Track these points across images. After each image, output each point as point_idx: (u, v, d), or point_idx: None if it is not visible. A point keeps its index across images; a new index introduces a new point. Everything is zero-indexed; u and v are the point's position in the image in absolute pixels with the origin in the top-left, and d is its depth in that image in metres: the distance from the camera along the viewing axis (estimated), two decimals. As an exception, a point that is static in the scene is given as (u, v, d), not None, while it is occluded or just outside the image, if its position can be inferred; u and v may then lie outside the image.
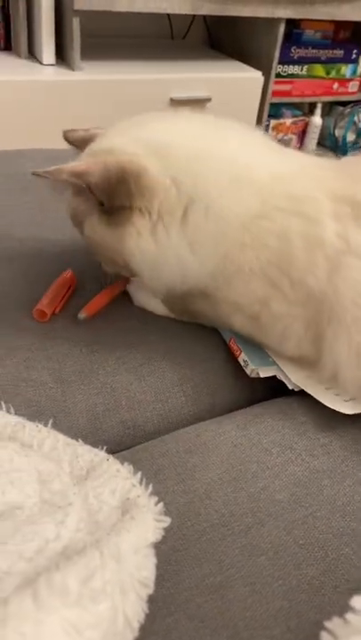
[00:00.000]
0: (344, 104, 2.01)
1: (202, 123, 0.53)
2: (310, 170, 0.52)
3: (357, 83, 1.95)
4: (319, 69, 1.86)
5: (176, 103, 1.56)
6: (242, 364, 0.55)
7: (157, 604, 0.37)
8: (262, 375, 0.54)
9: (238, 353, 0.56)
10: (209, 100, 1.60)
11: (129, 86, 1.50)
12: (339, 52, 1.86)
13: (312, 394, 0.51)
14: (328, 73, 1.87)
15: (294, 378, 0.53)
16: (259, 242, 0.49)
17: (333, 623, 0.29)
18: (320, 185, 0.50)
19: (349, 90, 1.94)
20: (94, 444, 0.43)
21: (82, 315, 0.55)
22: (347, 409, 0.49)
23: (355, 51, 1.88)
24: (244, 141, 0.53)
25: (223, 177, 0.49)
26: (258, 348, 0.55)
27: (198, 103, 1.60)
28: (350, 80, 1.93)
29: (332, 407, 0.50)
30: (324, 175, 0.51)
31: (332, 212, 0.48)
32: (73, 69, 1.47)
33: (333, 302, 0.48)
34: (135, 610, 0.33)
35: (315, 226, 0.48)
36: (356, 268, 0.47)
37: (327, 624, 0.29)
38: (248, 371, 0.54)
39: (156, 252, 0.50)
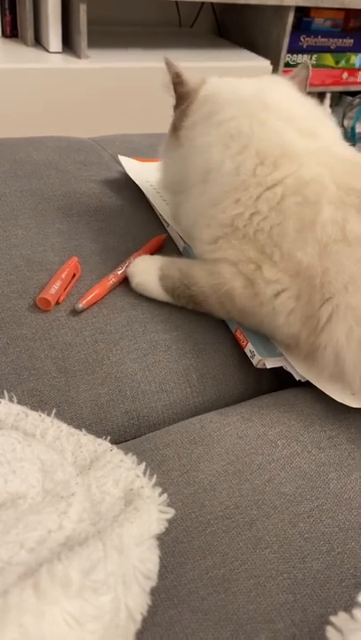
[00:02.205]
0: (353, 94, 1.99)
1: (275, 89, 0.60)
2: (332, 158, 0.54)
3: (367, 72, 1.92)
4: (328, 59, 1.83)
5: (183, 92, 1.54)
6: (248, 354, 0.55)
7: (160, 596, 0.37)
8: (269, 366, 0.53)
9: (245, 343, 0.55)
10: (217, 89, 1.58)
11: (136, 74, 1.49)
12: (348, 41, 1.84)
13: (318, 386, 0.50)
14: (338, 62, 1.85)
15: (301, 369, 0.52)
16: (254, 206, 0.52)
17: (339, 618, 0.28)
18: (334, 173, 0.51)
19: (359, 80, 1.91)
20: (98, 434, 0.43)
21: (79, 305, 0.55)
22: (353, 402, 0.49)
23: (365, 40, 1.86)
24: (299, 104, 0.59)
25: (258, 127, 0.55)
26: (265, 339, 0.55)
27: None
28: (360, 70, 1.90)
29: (338, 400, 0.49)
30: (346, 167, 0.52)
31: (336, 199, 0.49)
32: (80, 57, 1.45)
33: (325, 283, 0.49)
34: (138, 602, 0.33)
35: (310, 208, 0.50)
36: (349, 255, 0.48)
37: (333, 619, 0.29)
38: (254, 361, 0.54)
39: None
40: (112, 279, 0.58)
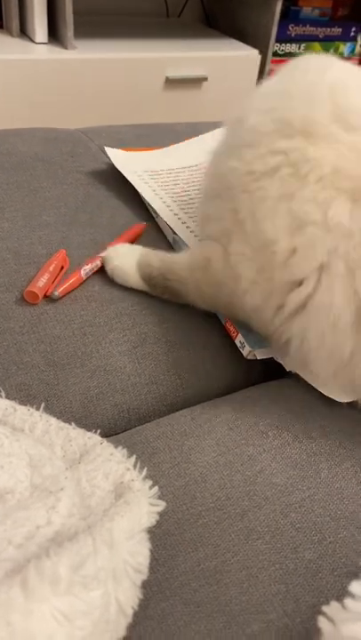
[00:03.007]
0: (342, 84, 1.98)
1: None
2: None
3: (356, 62, 1.91)
4: (317, 47, 1.82)
5: (172, 82, 1.53)
6: (238, 345, 0.54)
7: (152, 589, 0.36)
8: (259, 357, 0.53)
9: (235, 335, 0.55)
10: (205, 79, 1.57)
11: (123, 65, 1.47)
12: (337, 30, 1.83)
13: (307, 379, 0.50)
14: (326, 51, 1.84)
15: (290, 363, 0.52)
16: (251, 164, 0.50)
17: (331, 608, 0.28)
18: (343, 159, 0.47)
19: (348, 69, 1.91)
20: (88, 428, 0.43)
21: (55, 292, 0.54)
22: (341, 397, 0.48)
23: (353, 29, 1.84)
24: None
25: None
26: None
27: (194, 82, 1.57)
28: (349, 59, 1.89)
29: (325, 393, 0.49)
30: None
31: (327, 180, 0.46)
32: (66, 48, 1.43)
33: (292, 264, 0.47)
34: (129, 596, 0.33)
35: (295, 181, 0.47)
36: (323, 241, 0.46)
37: (325, 609, 0.29)
38: (245, 352, 0.53)
39: None
40: (87, 266, 0.58)
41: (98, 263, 0.59)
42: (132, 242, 0.64)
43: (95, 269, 0.59)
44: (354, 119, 0.49)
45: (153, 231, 0.66)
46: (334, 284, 0.46)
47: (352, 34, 1.85)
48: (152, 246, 0.64)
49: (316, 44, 1.82)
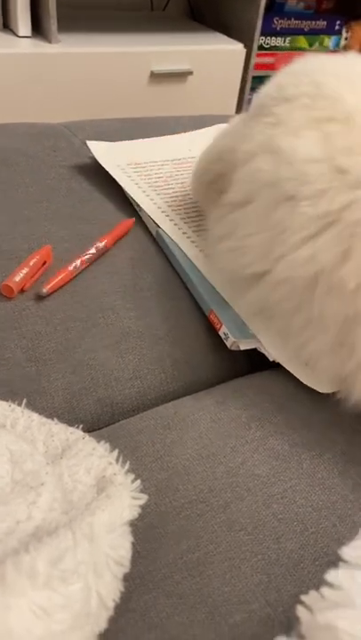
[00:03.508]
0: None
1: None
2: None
3: (341, 55, 1.91)
4: (302, 41, 1.82)
5: (156, 76, 1.53)
6: (222, 337, 0.54)
7: (135, 581, 0.37)
8: (243, 347, 0.53)
9: (219, 326, 0.55)
10: (190, 73, 1.56)
11: (108, 59, 1.46)
12: (322, 23, 1.83)
13: (290, 369, 0.50)
14: (311, 45, 1.84)
15: (274, 353, 0.52)
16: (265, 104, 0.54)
17: (310, 597, 0.28)
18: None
19: (333, 62, 1.91)
20: (71, 423, 0.42)
21: (44, 290, 0.54)
22: (322, 387, 0.49)
23: (338, 22, 1.85)
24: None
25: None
26: (239, 321, 0.54)
27: (180, 76, 1.56)
28: (334, 52, 1.89)
29: (308, 384, 0.49)
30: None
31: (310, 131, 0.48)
32: (50, 41, 1.42)
33: (233, 180, 0.52)
34: (110, 589, 0.33)
35: (271, 131, 0.51)
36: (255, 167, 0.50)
37: (304, 598, 0.29)
38: (228, 343, 0.54)
39: None
40: (77, 263, 0.57)
41: (84, 258, 0.58)
42: (121, 237, 0.63)
43: (84, 265, 0.58)
44: None
45: (136, 225, 0.66)
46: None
47: (337, 27, 1.85)
48: (135, 240, 0.64)
49: (302, 38, 1.82)
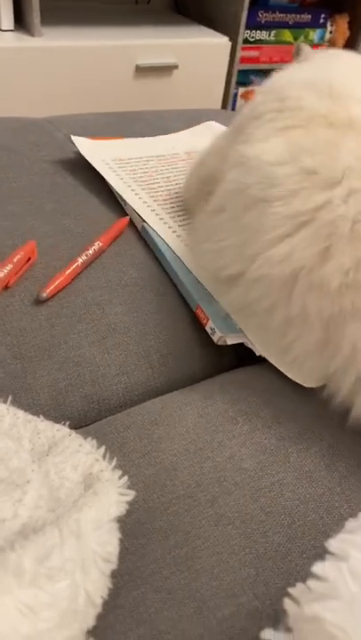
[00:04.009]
0: (313, 71, 1.98)
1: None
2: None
3: (325, 49, 1.92)
4: (287, 35, 1.82)
5: (142, 70, 1.52)
6: (209, 332, 0.54)
7: (123, 578, 0.36)
8: (230, 342, 0.53)
9: (206, 321, 0.55)
10: (176, 66, 1.56)
11: (92, 53, 1.45)
12: (306, 17, 1.83)
13: (276, 364, 0.50)
14: (296, 38, 1.84)
15: (260, 348, 0.52)
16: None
17: (297, 590, 0.29)
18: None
19: (318, 56, 1.91)
20: (57, 420, 0.42)
21: (43, 294, 0.53)
22: (307, 382, 0.49)
23: (323, 15, 1.85)
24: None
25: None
26: (225, 315, 0.54)
27: (165, 70, 1.55)
28: (319, 46, 1.89)
29: (294, 379, 0.49)
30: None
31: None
32: (33, 35, 1.41)
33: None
34: (98, 586, 0.33)
35: (240, 147, 0.53)
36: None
37: (291, 590, 0.29)
38: (215, 338, 0.53)
39: None
40: (78, 265, 0.57)
41: (81, 262, 0.58)
42: (117, 237, 0.63)
43: (83, 267, 0.58)
44: None
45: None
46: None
47: (322, 20, 1.85)
48: (121, 235, 0.64)
49: (287, 31, 1.81)
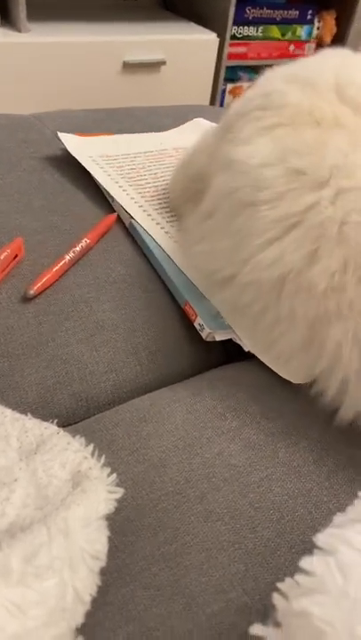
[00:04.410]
0: (301, 67, 1.98)
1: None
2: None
3: (314, 45, 1.92)
4: (275, 31, 1.82)
5: (129, 67, 1.51)
6: (197, 328, 0.54)
7: (112, 575, 0.36)
8: (218, 338, 0.53)
9: (194, 317, 0.55)
10: (164, 63, 1.55)
11: (79, 49, 1.44)
12: (294, 13, 1.83)
13: (264, 361, 0.50)
14: (284, 34, 1.84)
15: (249, 344, 0.52)
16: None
17: (286, 584, 0.29)
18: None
19: (306, 52, 1.91)
20: (45, 418, 0.42)
21: (30, 292, 0.53)
22: (295, 378, 0.49)
23: (310, 11, 1.85)
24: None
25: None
26: (214, 312, 0.54)
27: (153, 66, 1.55)
28: (307, 42, 1.90)
29: (282, 375, 0.49)
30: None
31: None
32: (19, 31, 1.40)
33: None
34: (86, 584, 0.32)
35: (227, 147, 0.53)
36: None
37: (279, 585, 0.29)
38: (204, 334, 0.53)
39: None
40: (66, 262, 0.57)
41: (68, 259, 0.57)
42: (105, 233, 0.63)
43: (70, 264, 0.57)
44: None
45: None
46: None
47: (309, 16, 1.86)
48: (108, 232, 0.63)
49: (274, 27, 1.81)
